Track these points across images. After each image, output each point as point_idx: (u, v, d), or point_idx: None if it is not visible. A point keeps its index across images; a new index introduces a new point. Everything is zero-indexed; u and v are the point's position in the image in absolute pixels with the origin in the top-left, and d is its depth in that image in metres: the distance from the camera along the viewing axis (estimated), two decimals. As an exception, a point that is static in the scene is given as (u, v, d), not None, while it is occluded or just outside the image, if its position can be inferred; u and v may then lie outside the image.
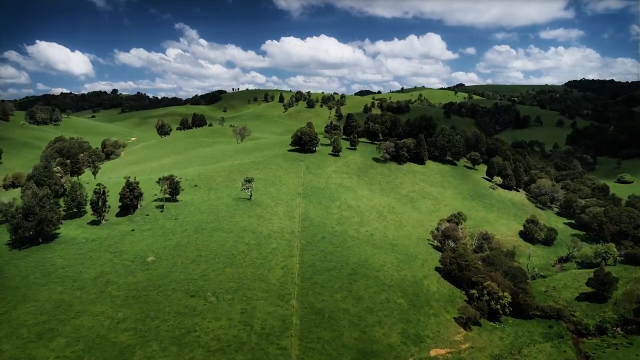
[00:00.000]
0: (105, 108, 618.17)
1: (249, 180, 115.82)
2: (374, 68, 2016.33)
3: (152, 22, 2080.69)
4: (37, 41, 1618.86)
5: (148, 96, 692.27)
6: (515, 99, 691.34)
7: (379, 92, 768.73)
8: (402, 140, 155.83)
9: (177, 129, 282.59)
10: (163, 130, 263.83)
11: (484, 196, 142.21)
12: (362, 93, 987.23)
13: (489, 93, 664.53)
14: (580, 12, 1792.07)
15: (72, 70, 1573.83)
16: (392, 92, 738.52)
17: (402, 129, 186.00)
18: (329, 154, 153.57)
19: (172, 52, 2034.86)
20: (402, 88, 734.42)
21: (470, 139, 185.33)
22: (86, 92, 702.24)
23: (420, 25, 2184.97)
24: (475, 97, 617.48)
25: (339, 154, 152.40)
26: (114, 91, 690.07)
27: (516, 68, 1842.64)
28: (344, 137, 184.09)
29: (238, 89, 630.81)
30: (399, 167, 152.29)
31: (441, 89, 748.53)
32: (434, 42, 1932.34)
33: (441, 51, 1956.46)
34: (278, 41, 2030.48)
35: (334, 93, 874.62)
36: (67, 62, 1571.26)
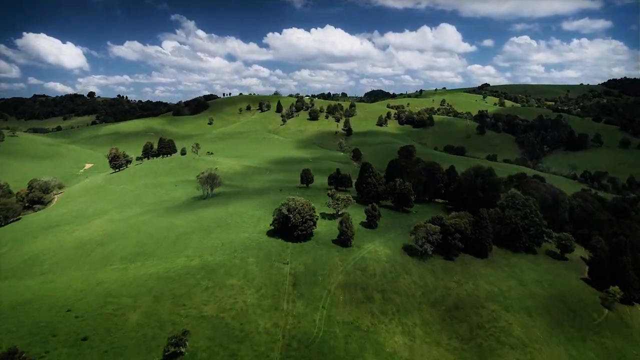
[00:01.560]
0: (78, 115, 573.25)
1: (177, 343, 63.98)
2: (385, 61, 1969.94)
3: (146, 13, 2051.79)
4: (25, 33, 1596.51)
5: (128, 100, 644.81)
6: (552, 103, 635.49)
7: (394, 96, 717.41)
8: (452, 219, 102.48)
9: (137, 159, 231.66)
10: (117, 163, 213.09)
11: (598, 329, 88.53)
12: (373, 94, 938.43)
13: (522, 97, 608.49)
14: (607, 2, 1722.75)
15: (64, 64, 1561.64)
16: (409, 95, 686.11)
17: (443, 182, 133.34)
18: (334, 241, 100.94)
19: (169, 44, 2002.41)
20: (421, 91, 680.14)
21: (546, 199, 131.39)
22: (60, 95, 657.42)
23: (432, 17, 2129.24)
24: (507, 102, 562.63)
25: (350, 242, 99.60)
26: (91, 94, 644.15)
27: (537, 61, 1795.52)
28: (356, 195, 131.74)
29: (230, 94, 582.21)
30: (449, 264, 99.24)
31: (465, 90, 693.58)
32: (449, 34, 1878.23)
33: (456, 43, 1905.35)
34: (280, 33, 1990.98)
35: (342, 95, 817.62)
36: (59, 54, 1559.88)
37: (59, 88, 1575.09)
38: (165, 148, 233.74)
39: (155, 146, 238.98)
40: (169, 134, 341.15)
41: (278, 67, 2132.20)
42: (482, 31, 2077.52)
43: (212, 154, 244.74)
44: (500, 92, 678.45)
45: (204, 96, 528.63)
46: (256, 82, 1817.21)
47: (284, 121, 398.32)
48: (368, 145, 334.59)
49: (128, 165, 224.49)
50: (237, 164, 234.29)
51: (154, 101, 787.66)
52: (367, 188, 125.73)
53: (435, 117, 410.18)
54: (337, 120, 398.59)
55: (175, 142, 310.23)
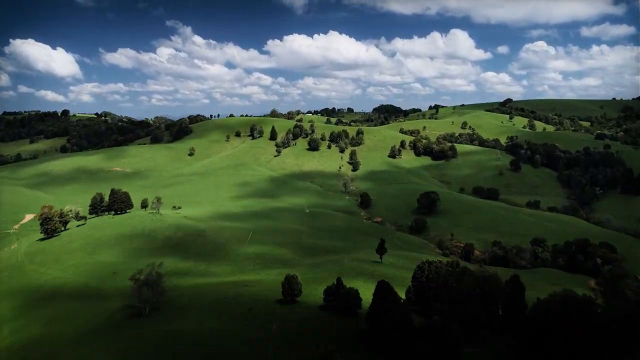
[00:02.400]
0: (47, 137, 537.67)
1: None
2: (394, 69, 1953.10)
3: (140, 19, 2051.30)
4: (12, 40, 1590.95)
5: (106, 119, 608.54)
6: (588, 123, 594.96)
7: (406, 114, 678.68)
8: None
9: (79, 218, 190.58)
10: (48, 226, 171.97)
11: None
12: (382, 110, 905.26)
13: (554, 118, 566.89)
14: (631, 7, 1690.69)
15: (55, 71, 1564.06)
16: (423, 113, 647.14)
17: (503, 302, 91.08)
18: None
19: (165, 51, 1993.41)
20: (437, 109, 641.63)
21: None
22: (29, 113, 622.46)
23: (442, 23, 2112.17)
24: (537, 124, 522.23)
25: None
26: (64, 112, 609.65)
27: (554, 69, 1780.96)
28: (365, 329, 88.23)
29: (218, 115, 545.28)
30: None
31: (487, 108, 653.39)
32: (460, 40, 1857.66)
33: (469, 50, 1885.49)
34: (281, 40, 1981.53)
35: (348, 110, 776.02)
36: (49, 61, 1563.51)
37: (50, 97, 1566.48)
38: (119, 202, 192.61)
39: (107, 198, 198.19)
40: (135, 174, 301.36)
41: (281, 75, 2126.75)
42: (496, 38, 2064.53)
43: (179, 209, 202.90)
44: (527, 110, 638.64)
45: (189, 117, 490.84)
46: (258, 90, 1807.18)
47: (279, 152, 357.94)
48: (379, 185, 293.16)
49: (67, 227, 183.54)
50: (209, 222, 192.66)
51: (139, 118, 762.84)
52: (386, 323, 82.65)
53: (458, 146, 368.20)
54: (342, 151, 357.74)
55: (143, 181, 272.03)
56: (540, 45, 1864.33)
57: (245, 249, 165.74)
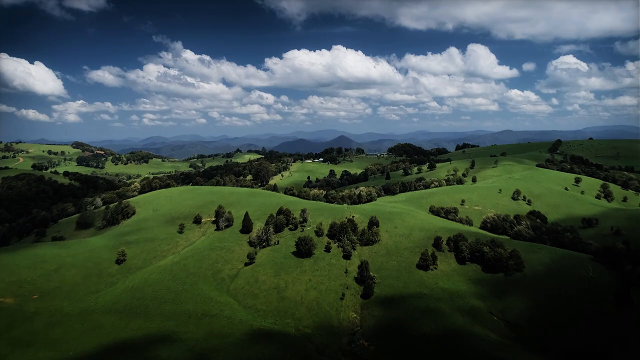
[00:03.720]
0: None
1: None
2: (410, 87, 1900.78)
3: (124, 34, 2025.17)
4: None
5: (42, 174, 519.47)
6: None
7: (431, 166, 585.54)
8: None
9: None
10: None
11: None
12: (399, 151, 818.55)
13: (631, 177, 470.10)
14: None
15: (35, 88, 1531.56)
16: (455, 171, 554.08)
17: None
18: None
19: (153, 68, 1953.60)
20: (473, 162, 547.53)
21: None
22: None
23: (459, 38, 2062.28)
24: (614, 189, 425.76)
25: None
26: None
27: (586, 86, 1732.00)
28: None
29: (181, 177, 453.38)
30: None
31: (539, 163, 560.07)
32: (481, 57, 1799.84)
33: (490, 67, 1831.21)
34: (281, 58, 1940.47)
35: (357, 152, 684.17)
36: (27, 77, 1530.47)
37: (32, 116, 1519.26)
38: None
39: None
40: (17, 311, 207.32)
41: (284, 94, 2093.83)
42: (521, 54, 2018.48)
43: None
44: (591, 164, 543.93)
45: (142, 183, 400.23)
46: (259, 109, 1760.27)
47: (252, 258, 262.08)
48: (406, 329, 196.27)
49: None
50: None
51: (127, 142, 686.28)
52: None
53: (521, 246, 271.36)
54: (347, 256, 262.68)
55: (20, 330, 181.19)
56: (570, 61, 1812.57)
57: None
